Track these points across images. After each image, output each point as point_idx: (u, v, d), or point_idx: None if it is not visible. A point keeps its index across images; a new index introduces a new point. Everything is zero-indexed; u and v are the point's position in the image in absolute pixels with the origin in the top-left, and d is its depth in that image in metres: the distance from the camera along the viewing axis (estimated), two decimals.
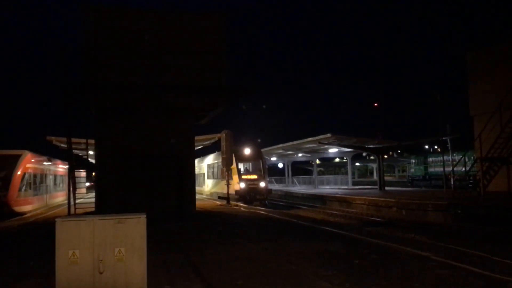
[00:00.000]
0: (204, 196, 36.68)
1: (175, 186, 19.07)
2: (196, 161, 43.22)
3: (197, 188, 40.87)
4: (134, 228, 6.29)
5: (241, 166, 31.35)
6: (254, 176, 30.36)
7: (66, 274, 5.99)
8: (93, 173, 24.20)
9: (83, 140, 20.92)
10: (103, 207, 17.34)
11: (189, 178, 19.32)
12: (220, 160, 28.39)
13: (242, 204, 25.85)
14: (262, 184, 29.94)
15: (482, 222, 17.42)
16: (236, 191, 28.86)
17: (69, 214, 17.41)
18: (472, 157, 27.07)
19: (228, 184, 25.75)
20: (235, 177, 29.59)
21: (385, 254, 9.23)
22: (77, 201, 19.12)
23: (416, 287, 6.63)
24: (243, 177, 29.97)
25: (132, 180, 18.57)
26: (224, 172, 25.51)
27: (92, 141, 19.88)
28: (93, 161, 26.39)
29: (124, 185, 18.18)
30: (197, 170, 43.37)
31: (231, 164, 26.25)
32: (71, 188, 18.48)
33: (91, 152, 23.68)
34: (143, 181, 18.85)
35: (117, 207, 16.90)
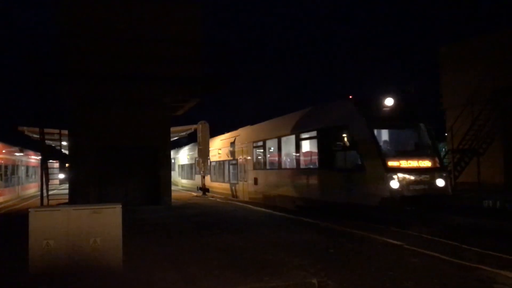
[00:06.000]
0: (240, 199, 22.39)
1: (151, 177, 18.93)
2: (217, 140, 28.22)
3: (215, 185, 27.42)
4: (109, 218, 6.27)
5: (381, 137, 14.65)
6: (423, 162, 13.26)
7: (40, 263, 5.92)
8: (67, 164, 23.77)
9: (56, 131, 20.48)
10: (76, 198, 17.06)
11: (165, 169, 19.17)
12: (283, 134, 18.59)
13: (218, 196, 24.94)
14: (441, 183, 13.11)
15: (452, 212, 17.91)
16: (383, 199, 12.47)
17: (41, 205, 17.10)
18: (443, 149, 27.69)
19: (203, 176, 25.43)
20: (376, 163, 12.73)
21: (359, 243, 9.41)
22: (50, 192, 18.77)
23: (390, 275, 6.78)
24: (391, 164, 12.74)
25: (107, 171, 18.33)
26: (201, 163, 25.21)
27: (65, 132, 19.52)
28: (66, 152, 25.91)
29: (98, 176, 17.93)
30: (216, 156, 27.46)
31: (208, 155, 25.46)
32: (43, 179, 18.14)
33: (64, 143, 23.23)
34: (118, 173, 18.63)
35: (91, 198, 16.70)
